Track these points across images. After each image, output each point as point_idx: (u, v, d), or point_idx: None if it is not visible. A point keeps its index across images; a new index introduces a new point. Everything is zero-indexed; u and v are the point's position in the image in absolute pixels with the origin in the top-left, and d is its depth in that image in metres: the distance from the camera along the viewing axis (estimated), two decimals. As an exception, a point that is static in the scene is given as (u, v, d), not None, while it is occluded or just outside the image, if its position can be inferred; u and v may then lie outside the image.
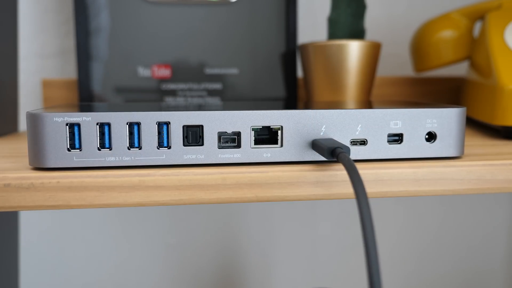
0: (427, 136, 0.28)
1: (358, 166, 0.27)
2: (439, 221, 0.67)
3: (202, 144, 0.26)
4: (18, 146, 0.36)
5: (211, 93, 0.49)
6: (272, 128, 0.27)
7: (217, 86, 0.50)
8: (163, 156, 0.26)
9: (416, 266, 0.68)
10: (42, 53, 0.55)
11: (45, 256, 0.60)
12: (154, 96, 0.49)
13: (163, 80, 0.49)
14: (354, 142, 0.28)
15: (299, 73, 0.58)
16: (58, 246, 0.60)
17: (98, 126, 0.25)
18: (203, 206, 0.62)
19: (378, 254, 0.15)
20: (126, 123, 0.26)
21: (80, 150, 0.25)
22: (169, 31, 0.49)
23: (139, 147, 0.26)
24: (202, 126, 0.26)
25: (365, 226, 0.16)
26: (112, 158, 0.26)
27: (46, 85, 0.53)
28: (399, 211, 0.67)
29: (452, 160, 0.28)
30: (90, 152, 0.26)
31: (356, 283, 0.67)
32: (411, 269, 0.68)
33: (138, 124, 0.26)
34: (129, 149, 0.26)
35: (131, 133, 0.26)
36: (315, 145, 0.26)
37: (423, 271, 0.68)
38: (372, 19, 0.61)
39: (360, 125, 0.27)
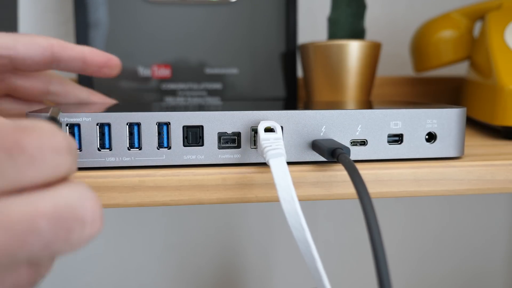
0: (427, 137, 0.28)
1: (358, 166, 0.27)
2: (439, 221, 0.67)
3: (202, 145, 0.26)
4: (18, 146, 0.36)
5: (211, 93, 0.49)
6: (272, 128, 0.27)
7: (217, 86, 0.49)
8: (163, 156, 0.26)
9: (416, 266, 0.68)
10: (42, 53, 0.55)
11: (45, 256, 0.60)
12: (154, 96, 0.49)
13: (163, 80, 0.49)
14: (354, 143, 0.28)
15: (299, 73, 0.58)
16: (58, 246, 0.60)
17: (98, 126, 0.25)
18: (203, 206, 0.62)
19: (385, 252, 0.15)
20: (126, 123, 0.26)
21: (80, 151, 0.25)
22: (169, 31, 0.48)
23: (139, 148, 0.26)
24: (202, 126, 0.26)
25: (371, 225, 0.16)
26: (112, 159, 0.26)
27: (46, 85, 0.53)
28: (399, 211, 0.67)
29: (452, 161, 0.28)
30: (90, 153, 0.26)
31: (356, 282, 0.67)
32: (411, 269, 0.68)
33: (138, 124, 0.26)
34: (129, 150, 0.26)
35: (131, 134, 0.26)
36: (315, 145, 0.26)
37: (423, 271, 0.68)
38: (372, 19, 0.61)
39: (360, 126, 0.27)
